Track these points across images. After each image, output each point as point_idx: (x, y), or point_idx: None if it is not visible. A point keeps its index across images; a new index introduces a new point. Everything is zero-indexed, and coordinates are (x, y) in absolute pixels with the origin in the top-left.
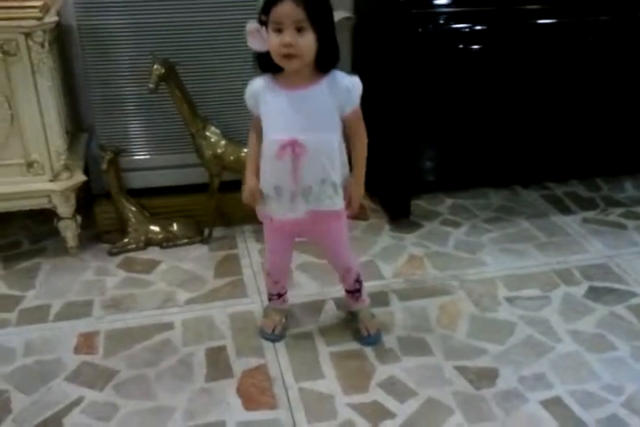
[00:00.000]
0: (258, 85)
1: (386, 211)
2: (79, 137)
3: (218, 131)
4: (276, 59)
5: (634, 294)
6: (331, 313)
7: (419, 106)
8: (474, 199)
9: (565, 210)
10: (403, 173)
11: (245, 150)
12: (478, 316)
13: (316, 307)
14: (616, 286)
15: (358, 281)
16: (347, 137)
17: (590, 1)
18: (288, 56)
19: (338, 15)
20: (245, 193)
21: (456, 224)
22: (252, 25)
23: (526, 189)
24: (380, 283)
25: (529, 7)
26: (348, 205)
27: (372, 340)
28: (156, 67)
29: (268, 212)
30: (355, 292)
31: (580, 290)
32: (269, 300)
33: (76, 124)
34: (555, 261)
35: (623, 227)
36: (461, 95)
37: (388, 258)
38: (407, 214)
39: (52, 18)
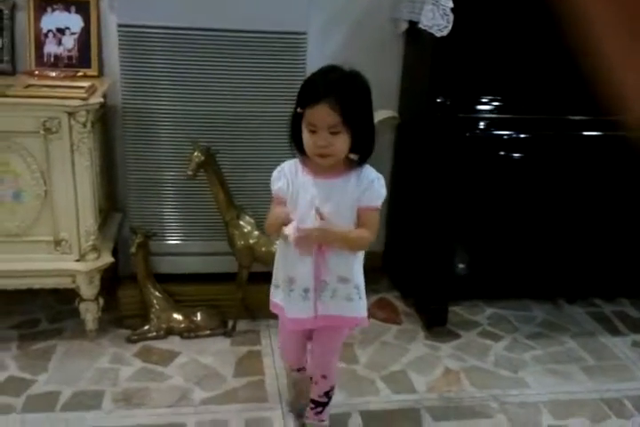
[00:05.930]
0: (288, 169)
1: (421, 316)
2: (113, 216)
3: (252, 221)
4: (310, 155)
5: None
6: None
7: (460, 209)
8: (515, 310)
9: (614, 331)
10: (441, 276)
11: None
12: None
13: (340, 420)
14: None
15: (328, 396)
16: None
17: None
18: (321, 155)
19: (383, 114)
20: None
21: (496, 337)
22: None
23: (571, 305)
24: (411, 397)
25: (572, 118)
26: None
27: None
28: (196, 154)
29: (279, 302)
30: (319, 405)
31: (632, 425)
32: (291, 371)
33: (111, 204)
34: (604, 388)
35: None
36: (504, 202)
37: (422, 369)
38: (444, 322)
39: (96, 99)
